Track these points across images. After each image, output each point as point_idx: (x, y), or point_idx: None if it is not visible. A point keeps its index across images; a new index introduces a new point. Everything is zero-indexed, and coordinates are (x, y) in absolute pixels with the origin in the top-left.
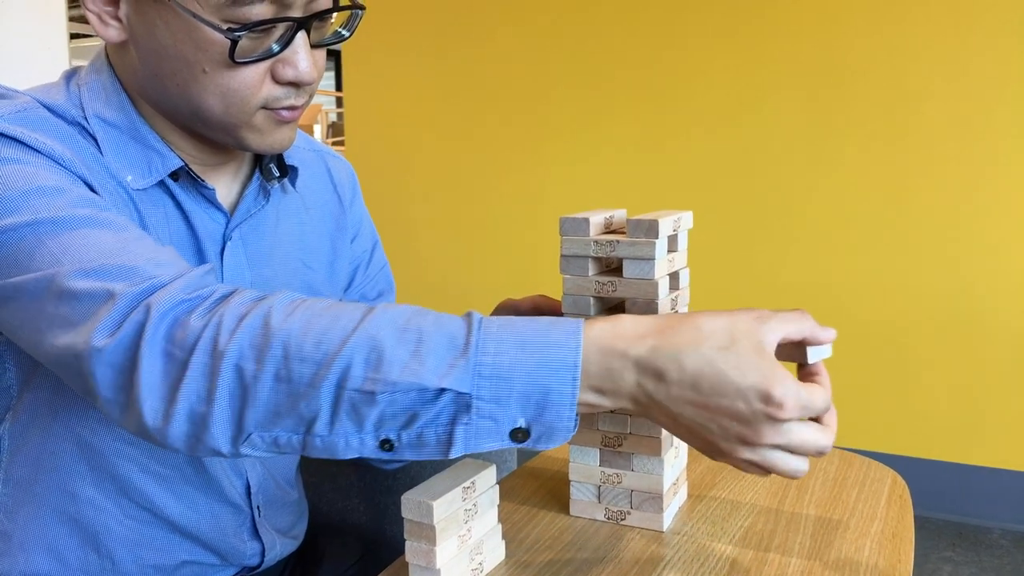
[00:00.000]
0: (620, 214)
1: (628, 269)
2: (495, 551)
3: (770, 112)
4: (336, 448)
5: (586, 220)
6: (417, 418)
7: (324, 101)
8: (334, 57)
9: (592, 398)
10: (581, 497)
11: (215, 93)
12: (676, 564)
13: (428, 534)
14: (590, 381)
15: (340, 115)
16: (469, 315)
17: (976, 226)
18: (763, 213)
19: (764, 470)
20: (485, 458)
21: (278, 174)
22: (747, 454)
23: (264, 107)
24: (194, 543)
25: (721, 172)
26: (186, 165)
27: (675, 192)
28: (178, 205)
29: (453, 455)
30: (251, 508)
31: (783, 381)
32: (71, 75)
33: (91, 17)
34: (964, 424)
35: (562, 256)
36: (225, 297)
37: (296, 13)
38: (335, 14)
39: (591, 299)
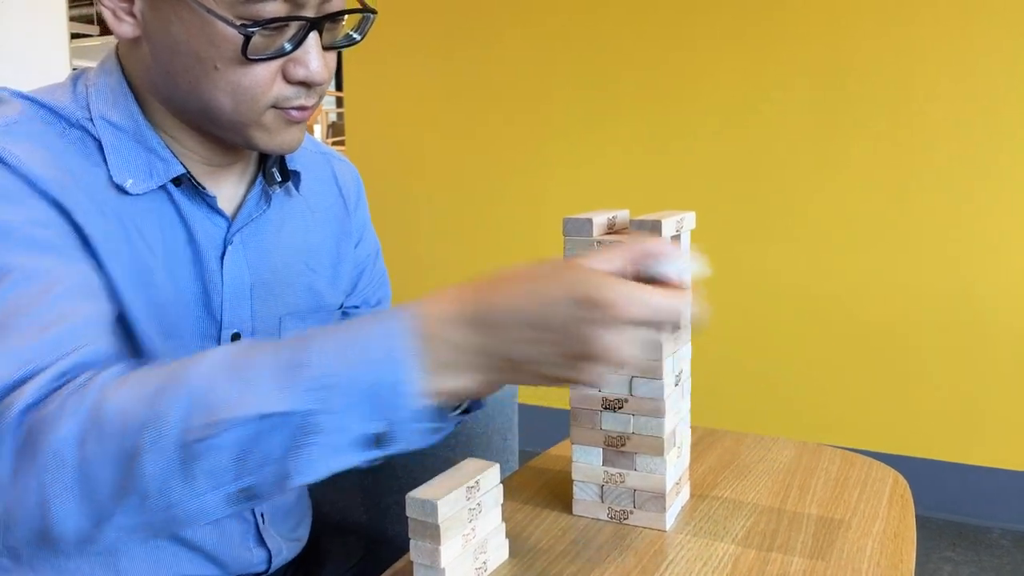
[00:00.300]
0: (623, 214)
1: None
2: (499, 550)
3: (773, 114)
4: (179, 516)
5: (589, 220)
6: (267, 454)
7: (324, 101)
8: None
9: (436, 381)
10: (584, 497)
11: (226, 90)
12: (679, 563)
13: (432, 533)
14: (428, 361)
15: (340, 115)
16: (286, 341)
17: (977, 227)
18: (765, 214)
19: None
20: (489, 458)
21: (280, 179)
22: (610, 353)
23: (274, 106)
24: (202, 556)
25: (724, 173)
26: (188, 172)
27: (677, 193)
28: (178, 210)
29: (297, 483)
30: (255, 516)
31: (604, 281)
32: (79, 76)
33: (106, 13)
34: (964, 424)
35: (565, 256)
36: (69, 383)
37: (309, 13)
38: (346, 17)
39: None
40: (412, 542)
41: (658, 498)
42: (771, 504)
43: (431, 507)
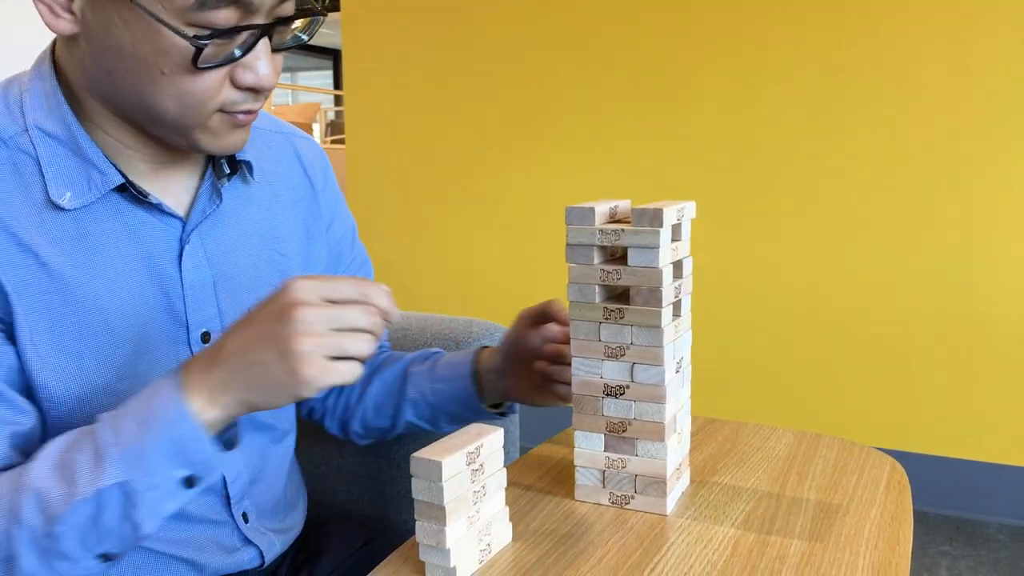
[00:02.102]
0: (624, 204)
1: (633, 257)
2: (502, 533)
3: (773, 106)
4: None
5: (591, 209)
6: (103, 525)
7: (323, 100)
8: (332, 56)
9: (209, 416)
10: (586, 482)
11: (172, 96)
12: (679, 547)
13: (438, 514)
14: (197, 407)
15: (339, 114)
16: (93, 428)
17: (976, 224)
18: (765, 206)
19: (341, 359)
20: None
21: (228, 171)
22: (304, 340)
23: (221, 110)
24: (187, 564)
25: (725, 164)
26: (128, 181)
27: (677, 185)
28: (125, 219)
29: (149, 529)
30: (232, 518)
31: (294, 280)
32: (12, 81)
33: (41, 8)
34: (962, 419)
35: (568, 245)
36: None
37: (260, 19)
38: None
39: (596, 287)
40: (418, 523)
41: (659, 483)
42: (770, 490)
43: (437, 489)
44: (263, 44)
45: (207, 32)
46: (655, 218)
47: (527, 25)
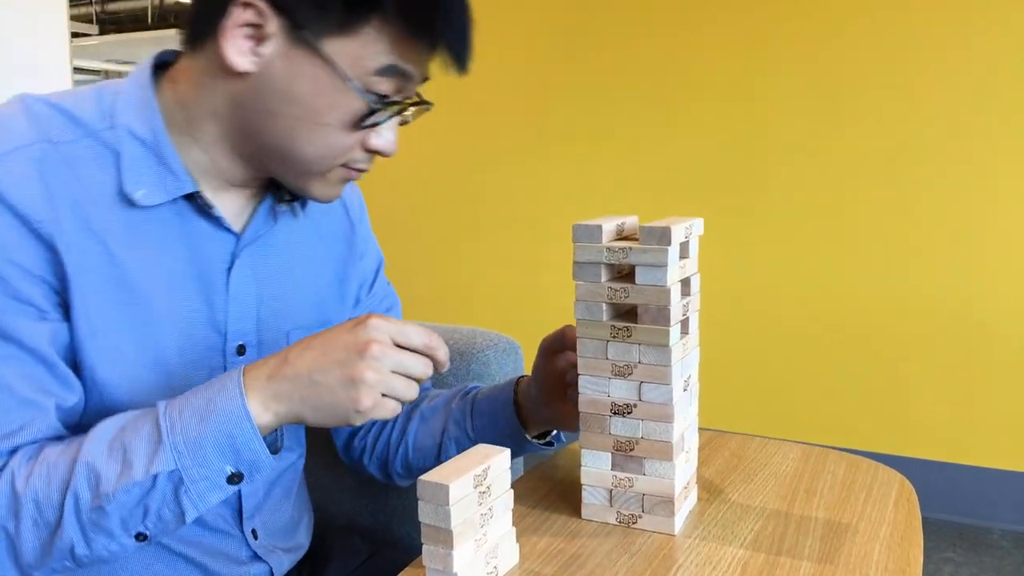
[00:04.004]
0: (632, 221)
1: (640, 276)
2: (509, 555)
3: (776, 117)
4: (103, 557)
5: (599, 227)
6: (149, 507)
7: None
8: None
9: (264, 420)
10: (593, 501)
11: (318, 144)
12: (688, 567)
13: (445, 538)
14: (254, 410)
15: None
16: (155, 408)
17: (976, 229)
18: (769, 219)
19: (390, 397)
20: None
21: (289, 198)
22: (370, 374)
23: (344, 165)
24: (199, 571)
25: (728, 177)
26: (198, 192)
27: (681, 197)
28: (185, 225)
29: (191, 517)
30: (242, 533)
31: (375, 318)
32: (105, 86)
33: (229, 44)
34: (965, 425)
35: (575, 263)
36: None
37: (402, 97)
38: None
39: (604, 305)
40: (425, 547)
41: (667, 502)
42: (778, 508)
43: (444, 512)
44: (395, 118)
45: (379, 97)
46: (663, 236)
47: (530, 34)
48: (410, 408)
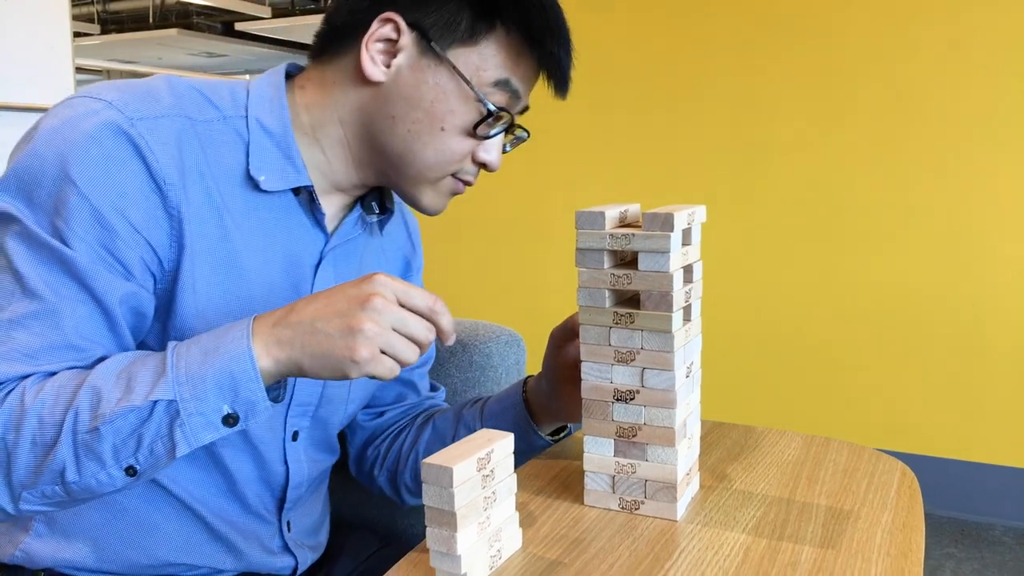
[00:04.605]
0: (634, 208)
1: (643, 262)
2: (512, 539)
3: (780, 110)
4: (91, 487)
5: (602, 214)
6: (143, 438)
7: None
8: None
9: (265, 363)
10: (595, 487)
11: (436, 149)
12: (690, 552)
13: (449, 520)
14: (258, 351)
15: None
16: (167, 347)
17: (980, 225)
18: (772, 211)
19: (388, 356)
20: None
21: (378, 211)
22: (369, 325)
23: (454, 175)
24: (229, 550)
25: (733, 170)
26: (311, 187)
27: (685, 189)
28: (289, 217)
29: (181, 453)
30: (279, 521)
31: (383, 275)
32: (238, 81)
33: (365, 56)
34: (967, 421)
35: (578, 250)
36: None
37: (515, 111)
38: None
39: (606, 291)
40: (428, 529)
41: (669, 488)
42: (780, 495)
43: (448, 495)
44: (503, 134)
45: (498, 107)
46: (666, 222)
47: None
48: (423, 421)
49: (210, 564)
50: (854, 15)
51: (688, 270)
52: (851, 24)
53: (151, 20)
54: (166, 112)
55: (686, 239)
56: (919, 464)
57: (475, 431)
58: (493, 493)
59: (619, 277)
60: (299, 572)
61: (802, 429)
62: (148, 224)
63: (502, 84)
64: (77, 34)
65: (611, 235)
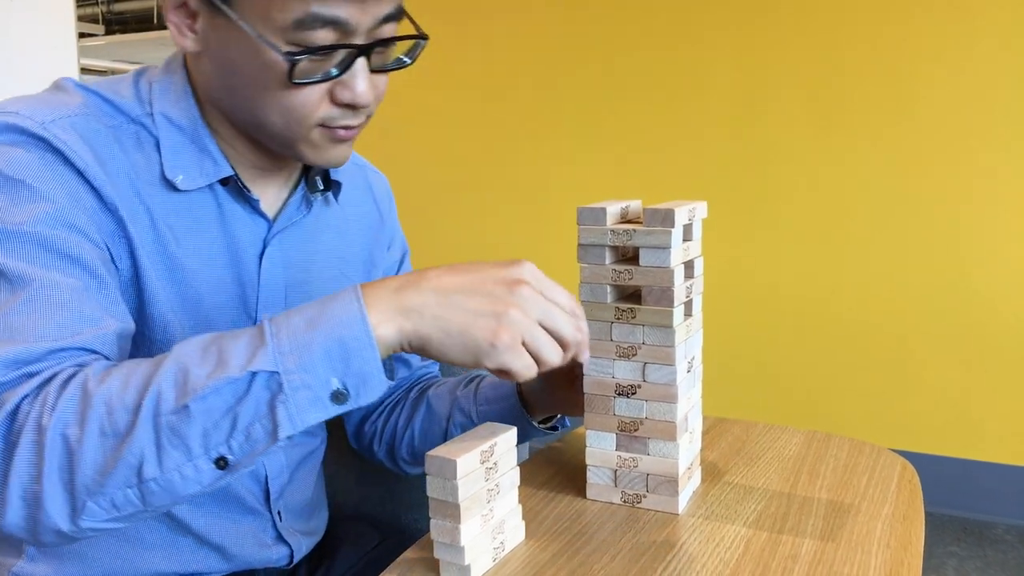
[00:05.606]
0: (635, 204)
1: (644, 257)
2: (515, 531)
3: (777, 107)
4: (174, 486)
5: (603, 209)
6: (238, 417)
7: None
8: None
9: (384, 331)
10: (598, 481)
11: (276, 110)
12: (691, 545)
13: (453, 512)
14: (375, 318)
15: None
16: (262, 321)
17: (980, 223)
18: (773, 208)
19: (527, 351)
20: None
21: (322, 187)
22: (516, 311)
23: (321, 125)
24: (219, 553)
25: (732, 167)
26: (236, 175)
27: (685, 186)
28: (222, 210)
29: (283, 436)
30: (271, 512)
31: (530, 264)
32: (141, 73)
33: (171, 27)
34: (969, 419)
35: (579, 245)
36: (54, 376)
37: (359, 40)
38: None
39: (608, 287)
40: (432, 521)
41: (671, 482)
42: (781, 489)
43: (452, 487)
44: (360, 63)
45: (300, 50)
46: (667, 218)
47: (534, 21)
48: (416, 395)
49: (199, 570)
50: (854, 14)
51: (689, 265)
52: (851, 23)
53: (155, 21)
54: (70, 112)
55: (687, 235)
56: (921, 462)
57: (469, 414)
58: (496, 486)
59: (620, 273)
60: (296, 560)
61: (803, 426)
62: (96, 225)
63: (308, 21)
64: (82, 35)
65: (612, 231)
